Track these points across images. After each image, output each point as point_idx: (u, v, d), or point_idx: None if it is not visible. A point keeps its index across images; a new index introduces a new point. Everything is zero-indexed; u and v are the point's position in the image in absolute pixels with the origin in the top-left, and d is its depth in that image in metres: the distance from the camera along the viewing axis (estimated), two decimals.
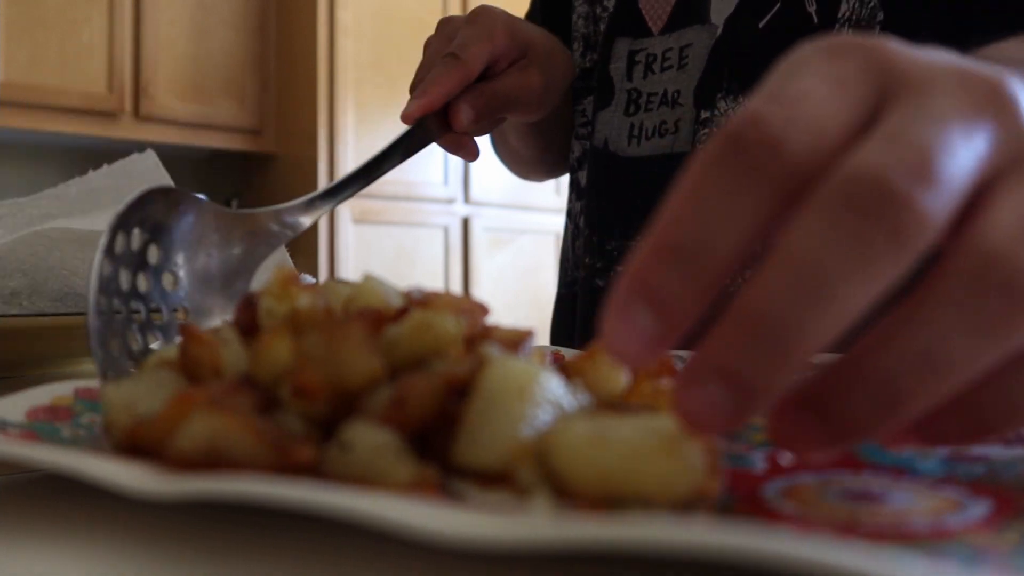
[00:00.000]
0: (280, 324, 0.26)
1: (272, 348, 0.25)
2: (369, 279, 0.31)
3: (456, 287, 2.92)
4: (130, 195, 0.38)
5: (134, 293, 0.37)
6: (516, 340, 0.28)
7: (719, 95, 0.55)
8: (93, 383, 0.33)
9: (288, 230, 0.44)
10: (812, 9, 0.52)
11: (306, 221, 0.44)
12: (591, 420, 0.21)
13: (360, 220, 2.81)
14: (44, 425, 0.29)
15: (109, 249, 0.35)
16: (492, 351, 0.24)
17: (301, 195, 0.45)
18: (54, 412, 0.31)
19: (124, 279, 0.37)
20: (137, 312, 0.37)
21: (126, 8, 2.54)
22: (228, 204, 2.89)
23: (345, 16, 2.74)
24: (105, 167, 0.46)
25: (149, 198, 0.38)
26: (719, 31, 0.56)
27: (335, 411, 0.23)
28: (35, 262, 0.50)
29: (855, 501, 0.21)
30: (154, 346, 0.37)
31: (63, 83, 2.43)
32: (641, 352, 0.18)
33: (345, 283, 0.32)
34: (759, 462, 0.26)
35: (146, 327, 0.38)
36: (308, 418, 0.23)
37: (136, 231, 0.38)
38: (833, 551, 0.12)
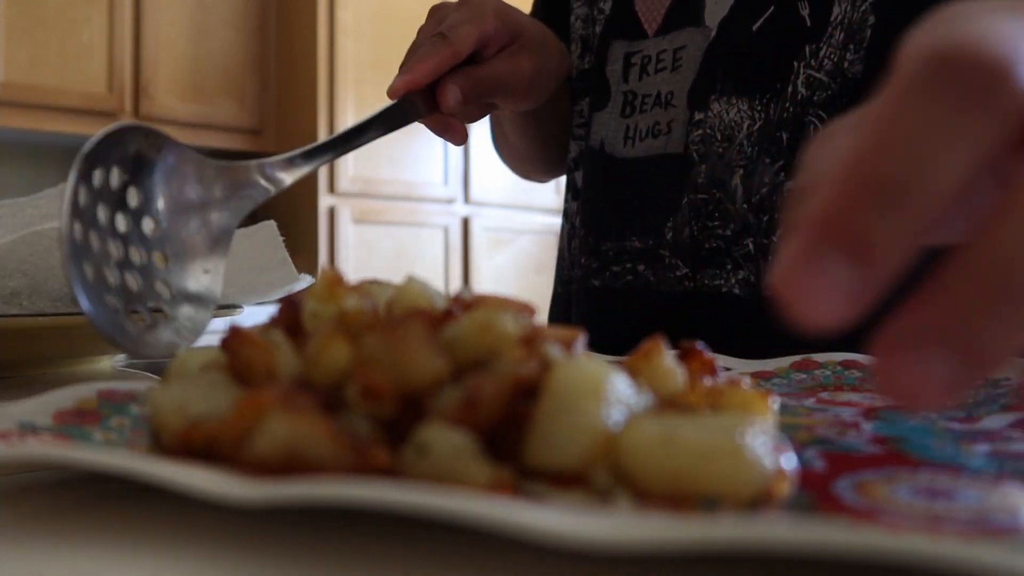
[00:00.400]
0: (334, 326, 0.26)
1: (331, 350, 0.25)
2: (412, 280, 0.30)
3: (456, 287, 2.92)
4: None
5: (112, 231, 0.37)
6: (569, 340, 0.28)
7: (712, 96, 0.56)
8: (113, 385, 0.33)
9: (271, 184, 0.44)
10: (805, 12, 0.53)
11: (287, 179, 0.45)
12: (659, 420, 0.21)
13: (360, 220, 2.81)
14: (74, 428, 0.29)
15: (85, 176, 0.35)
16: (555, 351, 0.24)
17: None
18: (81, 415, 0.31)
19: (103, 215, 0.37)
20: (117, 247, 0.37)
21: (126, 8, 2.53)
22: None
23: (345, 16, 2.73)
24: None
25: (129, 136, 0.38)
26: (713, 33, 0.57)
27: (399, 412, 0.23)
28: (35, 262, 0.49)
29: (929, 498, 0.21)
30: (131, 283, 0.37)
31: (63, 83, 2.42)
32: (837, 310, 0.15)
33: (384, 285, 0.32)
34: (815, 460, 0.26)
35: (124, 265, 0.38)
36: (374, 420, 0.22)
37: (115, 169, 0.37)
38: (968, 548, 0.12)
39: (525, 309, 0.29)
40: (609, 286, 0.61)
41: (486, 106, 0.57)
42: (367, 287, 0.31)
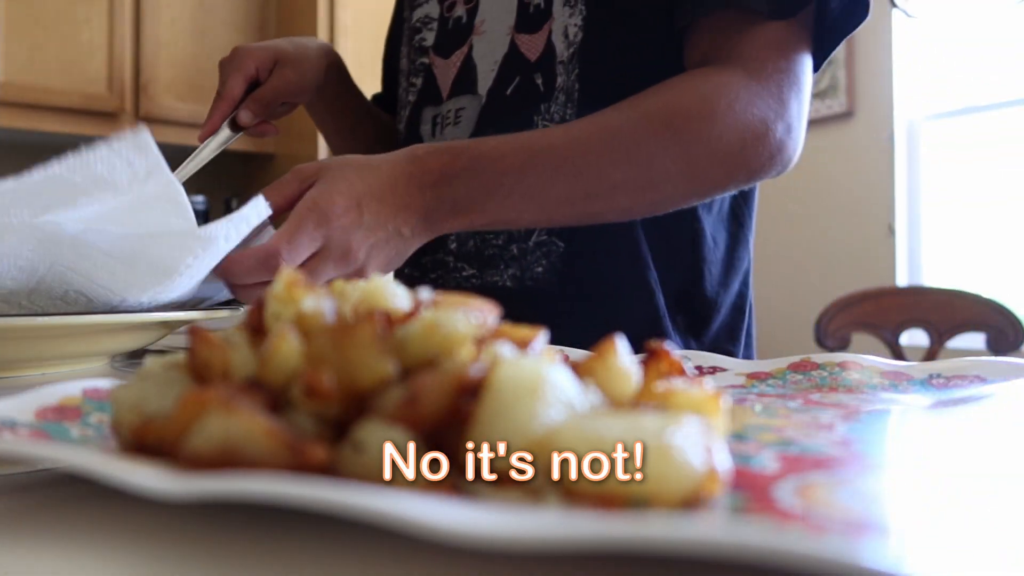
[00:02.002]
0: (287, 326, 0.26)
1: (280, 350, 0.25)
2: (376, 281, 0.31)
3: None
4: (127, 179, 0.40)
5: None
6: (526, 339, 0.28)
7: None
8: (100, 383, 0.34)
9: None
10: (539, 81, 0.76)
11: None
12: (588, 420, 0.21)
13: None
14: (53, 425, 0.29)
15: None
16: (503, 351, 0.24)
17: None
18: (62, 412, 0.31)
19: None
20: None
21: (126, 8, 2.53)
22: (228, 204, 2.90)
23: (345, 16, 2.73)
24: (103, 148, 0.46)
25: None
26: (484, 99, 0.79)
27: (346, 412, 0.23)
28: (33, 258, 0.49)
29: (867, 501, 0.21)
30: None
31: (63, 83, 2.43)
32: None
33: (355, 285, 0.32)
34: (769, 462, 0.26)
35: None
36: (319, 419, 0.23)
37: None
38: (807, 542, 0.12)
39: (485, 309, 0.30)
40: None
41: (280, 108, 0.83)
42: (339, 287, 0.31)
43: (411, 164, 0.60)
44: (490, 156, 0.62)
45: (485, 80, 0.80)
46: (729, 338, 0.81)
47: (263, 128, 0.81)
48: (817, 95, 3.02)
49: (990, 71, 2.73)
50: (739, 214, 0.82)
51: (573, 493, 0.19)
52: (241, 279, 0.55)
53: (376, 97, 1.04)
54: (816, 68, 0.70)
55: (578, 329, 0.59)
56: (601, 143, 0.63)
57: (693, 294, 0.78)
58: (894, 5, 2.72)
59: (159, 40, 2.60)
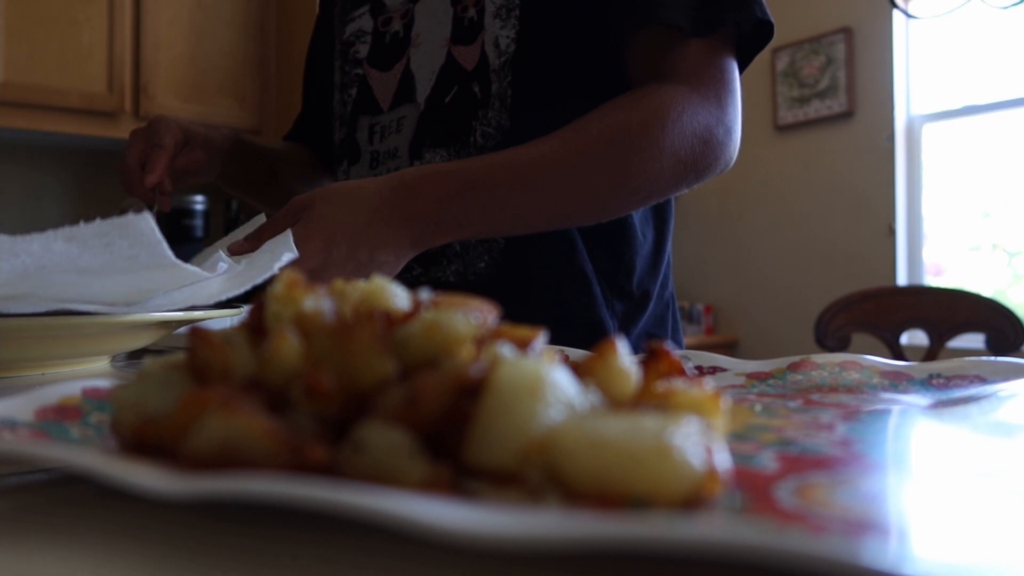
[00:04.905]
0: (287, 326, 0.26)
1: (280, 350, 0.25)
2: (376, 281, 0.31)
3: None
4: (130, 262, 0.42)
5: None
6: (526, 340, 0.28)
7: (424, 149, 0.83)
8: (100, 382, 0.34)
9: None
10: (476, 89, 0.81)
11: None
12: (588, 420, 0.21)
13: None
14: (53, 424, 0.29)
15: None
16: (504, 351, 0.24)
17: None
18: (62, 411, 0.31)
19: None
20: None
21: (126, 8, 2.53)
22: (228, 204, 2.90)
23: None
24: (107, 227, 0.47)
25: None
26: (422, 107, 0.84)
27: (347, 412, 0.23)
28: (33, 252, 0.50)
29: (867, 500, 0.21)
30: None
31: (63, 83, 2.43)
32: None
33: (356, 285, 0.32)
34: (769, 462, 0.26)
35: None
36: (320, 419, 0.23)
37: None
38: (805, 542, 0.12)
39: (485, 309, 0.30)
40: None
41: (188, 179, 0.89)
42: (339, 287, 0.31)
43: (398, 192, 0.65)
44: (476, 177, 0.67)
45: (423, 89, 0.85)
46: (660, 326, 0.89)
47: (164, 201, 0.87)
48: (817, 95, 3.03)
49: (990, 71, 2.73)
50: (663, 211, 0.90)
51: (573, 493, 0.19)
52: None
53: (296, 123, 1.12)
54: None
55: (522, 321, 0.62)
56: (574, 159, 0.69)
57: (626, 286, 0.85)
58: (894, 5, 2.72)
59: (159, 40, 2.60)
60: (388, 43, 0.89)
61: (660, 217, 0.89)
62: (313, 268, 0.61)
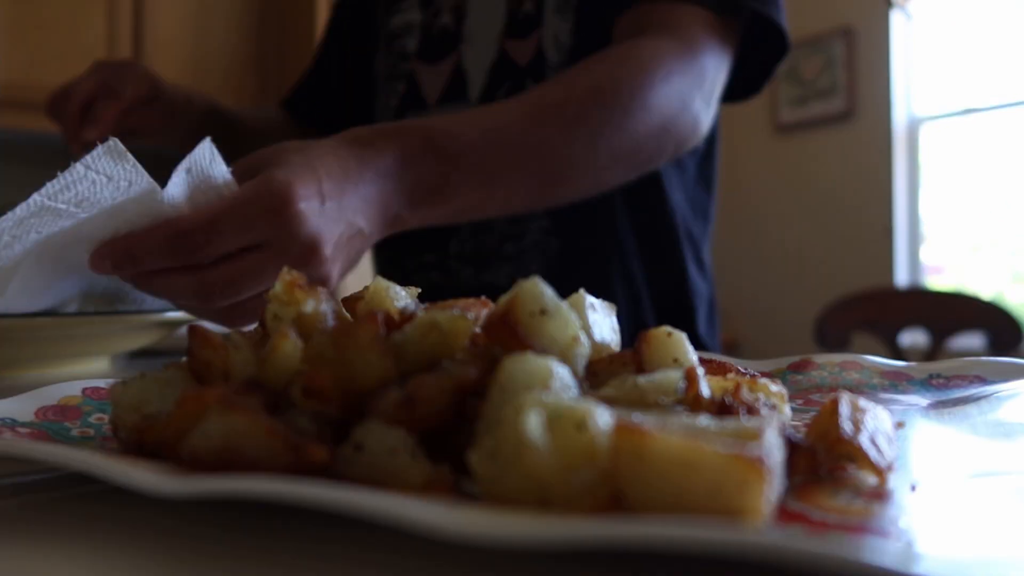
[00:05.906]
0: (287, 327, 0.26)
1: (280, 350, 0.25)
2: (378, 283, 0.31)
3: None
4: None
5: None
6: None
7: None
8: (100, 382, 0.34)
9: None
10: (530, 86, 0.75)
11: None
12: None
13: None
14: (53, 424, 0.29)
15: None
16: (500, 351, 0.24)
17: None
18: (63, 411, 0.31)
19: None
20: None
21: (126, 8, 2.53)
22: None
23: None
24: (79, 167, 0.42)
25: None
26: (475, 106, 0.81)
27: (346, 412, 0.23)
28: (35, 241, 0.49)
29: (869, 499, 0.21)
30: None
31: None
32: None
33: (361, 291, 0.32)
34: None
35: None
36: (319, 419, 0.23)
37: None
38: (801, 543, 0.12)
39: (483, 308, 0.30)
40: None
41: (136, 141, 0.81)
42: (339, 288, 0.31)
43: (359, 148, 0.52)
44: (443, 134, 0.57)
45: (475, 87, 0.83)
46: (708, 329, 0.88)
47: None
48: (817, 95, 3.03)
49: (990, 71, 2.73)
50: (706, 210, 0.89)
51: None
52: (141, 261, 0.45)
53: (298, 91, 1.03)
54: (745, 95, 0.80)
55: None
56: (553, 117, 0.62)
57: (677, 292, 0.85)
58: (894, 5, 2.72)
59: (159, 40, 2.60)
60: (436, 35, 0.87)
61: (704, 218, 0.89)
62: (308, 215, 0.47)
